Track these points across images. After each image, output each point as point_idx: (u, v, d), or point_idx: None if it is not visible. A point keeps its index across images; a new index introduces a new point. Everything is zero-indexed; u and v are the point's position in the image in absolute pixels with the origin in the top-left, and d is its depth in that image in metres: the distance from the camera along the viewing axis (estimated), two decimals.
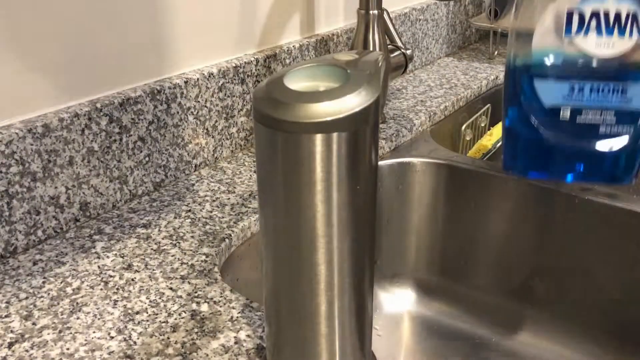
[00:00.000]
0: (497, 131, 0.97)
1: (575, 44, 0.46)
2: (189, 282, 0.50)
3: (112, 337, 0.44)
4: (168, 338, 0.44)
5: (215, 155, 0.71)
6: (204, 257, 0.54)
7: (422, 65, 1.08)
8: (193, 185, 0.66)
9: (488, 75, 1.03)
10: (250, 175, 0.69)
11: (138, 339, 0.44)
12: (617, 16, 0.45)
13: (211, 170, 0.70)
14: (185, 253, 0.54)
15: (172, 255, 0.54)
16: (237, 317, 0.46)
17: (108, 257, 0.54)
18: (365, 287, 0.37)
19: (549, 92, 0.47)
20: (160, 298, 0.48)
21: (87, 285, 0.50)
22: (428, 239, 0.81)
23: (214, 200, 0.63)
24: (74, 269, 0.52)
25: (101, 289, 0.49)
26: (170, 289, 0.49)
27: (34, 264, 0.53)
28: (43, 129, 0.53)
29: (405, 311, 0.81)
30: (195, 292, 0.49)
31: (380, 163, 0.75)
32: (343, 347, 0.37)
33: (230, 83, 0.70)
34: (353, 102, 0.31)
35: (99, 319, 0.46)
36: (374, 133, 0.33)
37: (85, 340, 0.44)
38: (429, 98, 0.92)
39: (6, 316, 0.46)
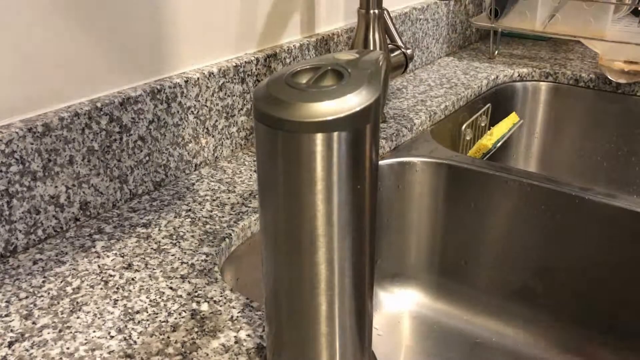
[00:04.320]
0: (497, 131, 0.97)
1: None
2: (189, 282, 0.50)
3: (112, 337, 0.44)
4: (168, 337, 0.44)
5: (216, 154, 0.71)
6: (204, 257, 0.54)
7: (422, 64, 1.08)
8: (193, 184, 0.66)
9: (488, 75, 1.03)
10: (251, 175, 0.69)
11: (138, 338, 0.44)
12: None
13: (211, 170, 0.70)
14: (185, 252, 0.54)
15: (172, 255, 0.54)
16: (237, 316, 0.46)
17: (108, 256, 0.54)
18: (366, 286, 0.37)
19: None
20: (160, 297, 0.48)
21: (87, 285, 0.50)
22: (428, 239, 0.81)
23: (214, 200, 0.63)
24: (74, 268, 0.52)
25: (101, 289, 0.49)
26: (171, 288, 0.49)
27: (34, 263, 0.53)
28: (43, 128, 0.53)
29: (405, 311, 0.81)
30: (196, 292, 0.49)
31: (381, 163, 0.75)
32: (343, 346, 0.37)
33: (230, 82, 0.70)
34: (353, 101, 0.31)
35: (99, 318, 0.46)
36: (374, 132, 0.33)
37: (86, 339, 0.44)
38: (429, 97, 0.92)
39: (6, 315, 0.46)
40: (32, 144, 0.53)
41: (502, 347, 0.76)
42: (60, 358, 0.42)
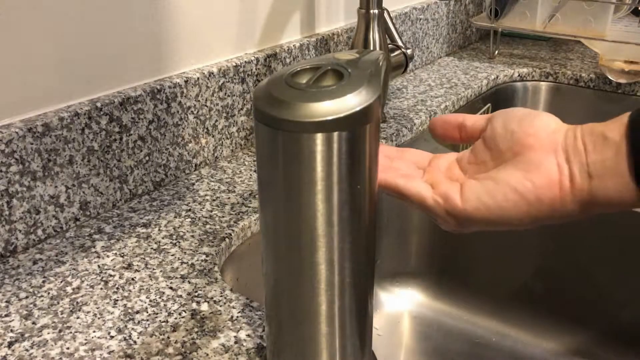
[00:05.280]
0: None
1: None
2: (189, 282, 0.50)
3: (112, 337, 0.44)
4: (168, 337, 0.44)
5: (216, 154, 0.71)
6: (204, 257, 0.54)
7: (422, 64, 1.08)
8: (193, 184, 0.66)
9: (488, 75, 1.03)
10: (251, 175, 0.69)
11: (138, 338, 0.44)
12: None
13: (211, 170, 0.70)
14: (185, 252, 0.54)
15: (172, 255, 0.54)
16: (237, 316, 0.46)
17: (108, 256, 0.54)
18: (366, 286, 0.37)
19: None
20: (160, 297, 0.48)
21: (87, 285, 0.50)
22: (428, 239, 0.81)
23: (214, 200, 0.63)
24: (74, 268, 0.52)
25: (101, 289, 0.49)
26: (171, 288, 0.49)
27: (34, 263, 0.53)
28: (43, 128, 0.53)
29: (405, 311, 0.81)
30: (196, 292, 0.49)
31: None
32: (343, 346, 0.37)
33: (230, 82, 0.70)
34: (353, 101, 0.31)
35: (99, 318, 0.46)
36: (374, 132, 0.33)
37: (85, 339, 0.44)
38: (430, 97, 0.92)
39: (6, 315, 0.46)
40: (32, 144, 0.53)
41: (502, 347, 0.76)
42: (60, 358, 0.42)
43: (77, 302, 0.48)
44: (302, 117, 0.30)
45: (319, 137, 0.30)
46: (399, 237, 0.81)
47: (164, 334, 0.44)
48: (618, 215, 0.67)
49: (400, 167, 0.40)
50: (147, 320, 0.46)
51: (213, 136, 0.70)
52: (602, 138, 0.34)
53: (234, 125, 0.72)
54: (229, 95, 0.70)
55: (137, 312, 0.47)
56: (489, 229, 0.36)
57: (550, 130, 0.36)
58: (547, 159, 0.35)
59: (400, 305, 0.81)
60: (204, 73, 0.67)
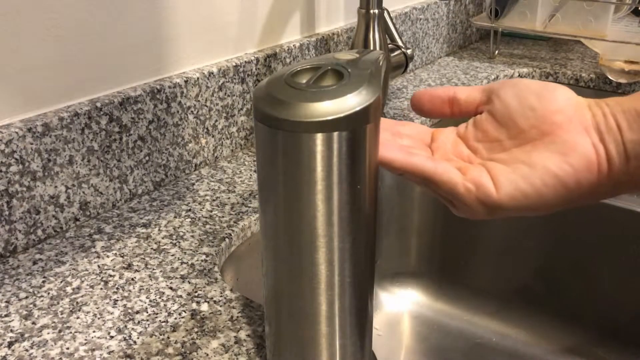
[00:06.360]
0: None
1: None
2: (189, 282, 0.50)
3: (112, 337, 0.44)
4: (168, 338, 0.44)
5: (216, 154, 0.71)
6: (204, 257, 0.54)
7: (422, 64, 1.08)
8: (193, 184, 0.66)
9: (489, 75, 1.03)
10: (251, 175, 0.69)
11: (138, 338, 0.44)
12: None
13: (211, 170, 0.70)
14: (185, 252, 0.54)
15: (172, 255, 0.54)
16: (237, 316, 0.46)
17: (108, 256, 0.54)
18: (366, 286, 0.37)
19: None
20: (160, 297, 0.48)
21: (87, 285, 0.50)
22: (428, 239, 0.81)
23: (214, 200, 0.63)
24: (73, 269, 0.52)
25: (101, 289, 0.49)
26: (170, 288, 0.49)
27: (34, 263, 0.52)
28: (43, 128, 0.53)
29: (405, 311, 0.81)
30: (195, 292, 0.49)
31: None
32: (343, 346, 0.37)
33: (230, 82, 0.70)
34: (354, 101, 0.31)
35: (98, 318, 0.46)
36: (374, 132, 0.33)
37: (85, 339, 0.44)
38: None
39: (6, 315, 0.46)
40: (31, 143, 0.53)
41: (502, 347, 0.76)
42: (60, 358, 0.42)
43: (77, 302, 0.48)
44: (302, 117, 0.30)
45: (319, 137, 0.30)
46: (399, 237, 0.81)
47: (163, 334, 0.44)
48: (619, 215, 0.67)
49: (414, 146, 0.37)
50: (147, 320, 0.46)
51: (213, 136, 0.70)
52: (638, 116, 0.31)
53: (234, 125, 0.72)
54: (229, 95, 0.70)
55: (137, 312, 0.47)
56: (517, 215, 0.34)
57: (573, 105, 0.33)
58: (581, 139, 0.32)
59: (400, 305, 0.81)
60: (204, 73, 0.67)
